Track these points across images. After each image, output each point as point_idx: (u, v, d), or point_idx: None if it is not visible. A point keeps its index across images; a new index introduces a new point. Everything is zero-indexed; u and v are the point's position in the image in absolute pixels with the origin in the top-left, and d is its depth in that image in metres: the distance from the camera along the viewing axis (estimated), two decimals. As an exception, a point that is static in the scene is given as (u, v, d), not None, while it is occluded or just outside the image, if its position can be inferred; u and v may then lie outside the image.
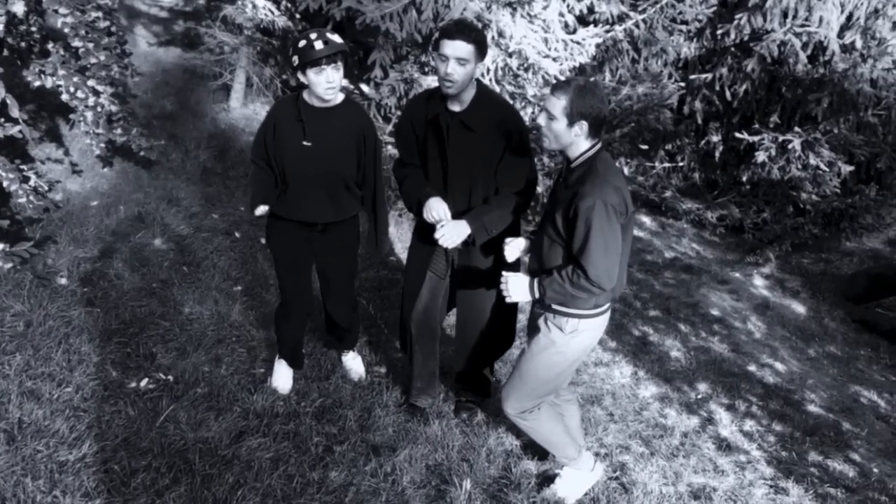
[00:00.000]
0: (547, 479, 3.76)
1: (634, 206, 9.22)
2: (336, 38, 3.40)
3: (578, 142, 3.02)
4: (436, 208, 3.50)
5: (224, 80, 8.32)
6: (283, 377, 4.13)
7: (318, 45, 3.34)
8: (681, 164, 8.70)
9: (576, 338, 3.20)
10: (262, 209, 3.50)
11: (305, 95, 3.54)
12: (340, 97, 3.59)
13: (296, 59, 3.38)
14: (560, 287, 3.06)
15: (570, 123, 2.96)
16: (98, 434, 3.52)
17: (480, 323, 3.85)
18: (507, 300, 3.23)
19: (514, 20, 6.24)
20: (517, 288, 3.19)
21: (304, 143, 3.51)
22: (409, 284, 3.90)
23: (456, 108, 3.48)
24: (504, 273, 3.23)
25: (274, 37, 8.09)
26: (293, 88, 3.59)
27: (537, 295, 3.14)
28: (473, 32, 3.27)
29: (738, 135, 7.82)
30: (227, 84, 8.33)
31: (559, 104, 2.96)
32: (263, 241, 5.77)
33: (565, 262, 3.08)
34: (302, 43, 3.36)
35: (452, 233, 3.41)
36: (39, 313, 4.28)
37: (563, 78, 6.54)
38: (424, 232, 3.76)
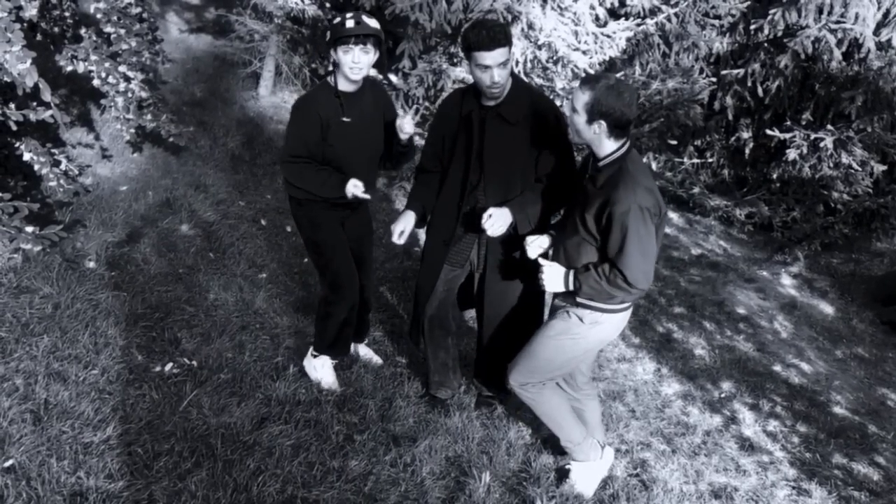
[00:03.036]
0: (564, 474, 3.75)
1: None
2: (371, 21, 3.42)
3: (601, 140, 2.99)
4: (397, 223, 3.62)
5: (253, 67, 8.36)
6: (332, 373, 4.10)
7: (350, 23, 3.37)
8: (710, 160, 8.62)
9: (593, 329, 3.18)
10: (358, 186, 3.55)
11: (337, 78, 3.55)
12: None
13: (329, 34, 3.42)
14: (597, 284, 3.05)
15: (590, 121, 2.95)
16: (122, 417, 3.56)
17: (506, 321, 3.82)
18: (543, 288, 3.22)
19: (544, 12, 6.20)
20: (553, 278, 3.18)
21: (344, 118, 3.54)
22: (423, 278, 3.88)
23: (491, 102, 3.47)
24: (542, 261, 3.23)
25: (304, 25, 8.11)
26: (321, 77, 3.59)
27: (572, 287, 3.13)
28: (503, 34, 3.25)
29: (769, 132, 7.73)
30: (257, 72, 8.37)
31: (582, 99, 2.94)
32: (290, 228, 5.79)
33: (599, 260, 3.07)
34: (337, 20, 3.41)
35: (499, 221, 3.37)
36: (67, 296, 4.33)
37: (592, 72, 6.50)
38: (437, 227, 3.76)
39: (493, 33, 3.23)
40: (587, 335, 3.20)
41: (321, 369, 4.07)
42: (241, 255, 5.29)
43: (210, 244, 5.32)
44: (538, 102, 3.47)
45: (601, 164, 3.03)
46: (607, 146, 2.99)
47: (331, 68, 3.60)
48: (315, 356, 4.08)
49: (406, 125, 3.55)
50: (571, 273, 3.13)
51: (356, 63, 3.43)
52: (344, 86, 3.54)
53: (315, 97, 3.57)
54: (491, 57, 3.24)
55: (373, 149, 3.74)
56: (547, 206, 3.53)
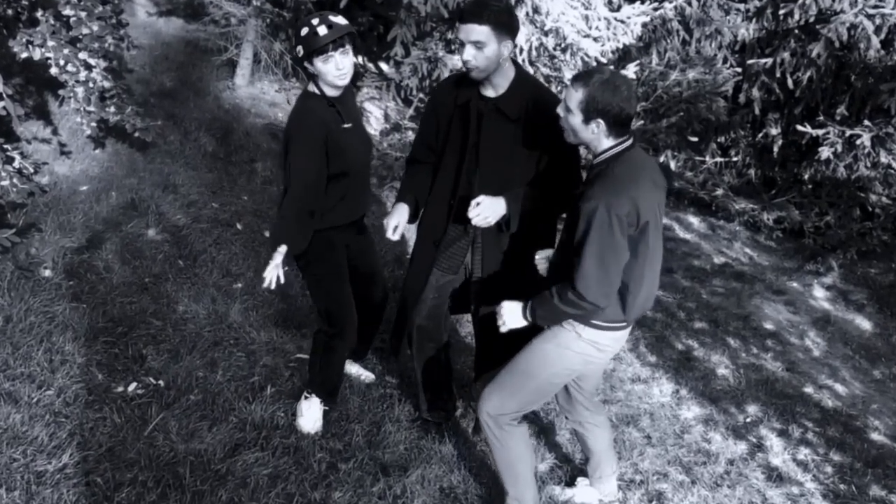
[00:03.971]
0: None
1: (682, 207, 9.21)
2: (340, 20, 3.41)
3: (600, 140, 3.00)
4: (390, 218, 3.65)
5: (229, 54, 8.36)
6: (319, 417, 4.03)
7: (322, 30, 3.35)
8: (734, 158, 8.63)
9: (580, 341, 3.17)
10: (401, 222, 3.66)
11: (321, 84, 3.54)
12: None
13: (300, 48, 3.41)
14: (548, 304, 3.07)
15: (587, 120, 2.95)
16: (80, 443, 3.55)
17: (505, 335, 3.81)
18: (501, 329, 3.24)
19: (551, -5, 6.22)
20: (510, 315, 3.22)
21: (344, 125, 3.57)
22: (410, 282, 3.87)
23: (490, 93, 3.46)
24: (503, 304, 3.24)
25: (285, 8, 8.12)
26: (299, 63, 3.59)
27: (529, 318, 3.17)
28: (487, 12, 3.23)
29: (799, 127, 7.74)
30: (233, 59, 8.37)
31: (576, 97, 2.94)
32: (268, 233, 5.79)
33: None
34: (304, 30, 3.38)
35: (488, 210, 3.36)
36: (20, 308, 4.33)
37: (604, 60, 6.52)
38: (428, 227, 3.76)
39: (473, 6, 3.26)
40: (574, 346, 3.19)
41: (308, 411, 3.99)
42: (214, 262, 5.28)
43: (179, 251, 5.32)
44: (542, 98, 3.46)
45: (594, 163, 3.06)
46: (605, 143, 3.01)
47: (311, 87, 3.59)
48: (307, 397, 4.00)
49: (392, 234, 3.68)
50: (528, 304, 3.15)
51: (340, 70, 3.44)
52: (331, 92, 3.56)
53: (313, 110, 3.54)
54: (464, 31, 3.26)
55: (368, 149, 3.84)
56: (547, 209, 3.53)
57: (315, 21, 3.37)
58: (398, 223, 3.65)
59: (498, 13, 3.26)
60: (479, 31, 3.24)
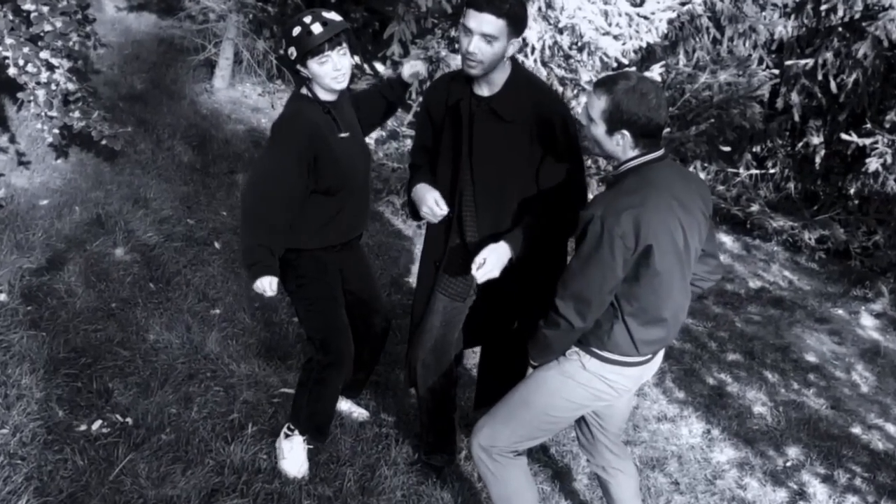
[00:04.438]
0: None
1: (713, 223, 9.18)
2: (334, 17, 3.43)
3: (625, 152, 3.01)
4: (425, 198, 3.54)
5: (207, 54, 8.40)
6: (305, 459, 3.99)
7: (317, 28, 3.36)
8: (772, 170, 8.65)
9: (584, 372, 3.17)
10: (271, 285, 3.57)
11: (315, 88, 3.55)
12: None
13: (293, 50, 3.40)
14: (537, 333, 3.15)
15: (611, 131, 2.95)
16: (38, 488, 3.55)
17: (512, 364, 3.81)
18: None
19: (566, -12, 6.26)
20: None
21: (342, 135, 3.58)
22: (416, 310, 3.89)
23: (484, 91, 3.47)
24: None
25: (270, 3, 8.17)
26: (291, 66, 3.58)
27: (532, 362, 3.27)
28: (507, 4, 3.24)
29: (844, 136, 7.75)
30: (212, 59, 8.42)
31: (599, 106, 2.94)
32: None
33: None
34: (296, 30, 3.38)
35: (493, 262, 3.33)
36: (-28, 336, 4.33)
37: (625, 61, 6.55)
38: (429, 243, 3.77)
39: None
40: (579, 377, 3.18)
41: (291, 452, 3.97)
42: (190, 285, 5.29)
43: (150, 272, 5.33)
44: (542, 100, 3.47)
45: (612, 175, 3.08)
46: (627, 155, 3.02)
47: (304, 90, 3.59)
48: (289, 435, 3.99)
49: (416, 66, 3.74)
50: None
51: (339, 70, 3.45)
52: (326, 96, 3.56)
53: (304, 113, 3.53)
54: (475, 19, 3.24)
55: (367, 160, 3.86)
56: (552, 232, 3.53)
57: (308, 19, 3.38)
58: (435, 198, 3.53)
59: (518, 7, 3.28)
60: (494, 24, 3.24)
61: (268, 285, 3.49)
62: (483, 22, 3.23)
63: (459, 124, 3.52)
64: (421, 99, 6.83)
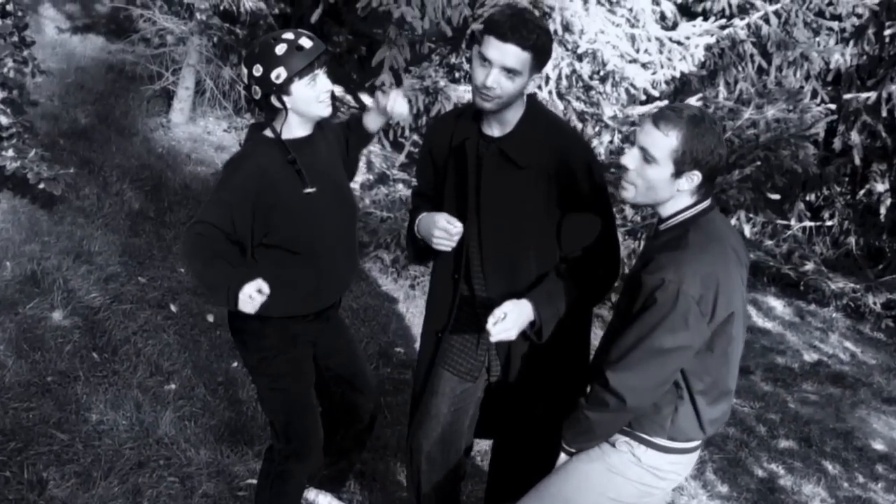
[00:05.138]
0: None
1: (760, 286, 9.18)
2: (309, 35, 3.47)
3: (679, 197, 3.00)
4: (435, 220, 3.43)
5: (164, 83, 8.46)
6: None
7: (306, 42, 3.35)
8: (829, 223, 8.69)
9: (638, 467, 3.15)
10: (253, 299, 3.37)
11: (279, 128, 3.52)
12: None
13: (281, 71, 3.35)
14: (577, 415, 3.09)
15: (678, 173, 2.93)
16: None
17: (533, 454, 3.76)
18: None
19: (585, 8, 6.34)
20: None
21: (307, 190, 3.52)
22: (416, 390, 3.85)
23: (495, 131, 3.45)
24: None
25: (238, 23, 8.25)
26: (266, 94, 3.54)
27: (565, 446, 3.21)
28: (535, 35, 3.23)
29: (914, 182, 7.81)
30: (169, 89, 8.48)
31: (666, 143, 2.92)
32: (212, 318, 5.79)
33: None
34: (282, 48, 3.35)
35: (514, 320, 3.26)
36: None
37: (655, 93, 6.61)
38: (432, 308, 3.74)
39: (520, 23, 3.23)
40: (626, 471, 3.16)
41: None
42: (140, 356, 5.27)
43: (94, 340, 5.32)
44: (561, 143, 3.45)
45: (662, 228, 3.05)
46: (682, 203, 3.01)
47: (267, 131, 3.56)
48: None
49: (397, 105, 3.61)
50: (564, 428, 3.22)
51: (327, 92, 3.45)
52: (301, 130, 3.54)
53: (258, 163, 3.49)
54: (497, 50, 3.23)
55: (349, 215, 3.77)
56: (583, 297, 3.51)
57: (290, 35, 3.37)
58: (446, 217, 3.42)
59: (544, 40, 3.26)
60: (519, 57, 3.23)
61: (254, 290, 3.28)
62: (507, 54, 3.21)
63: (465, 168, 3.49)
64: (414, 137, 6.89)
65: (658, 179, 2.95)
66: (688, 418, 3.06)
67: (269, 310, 3.50)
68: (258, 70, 3.37)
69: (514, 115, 3.42)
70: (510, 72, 3.23)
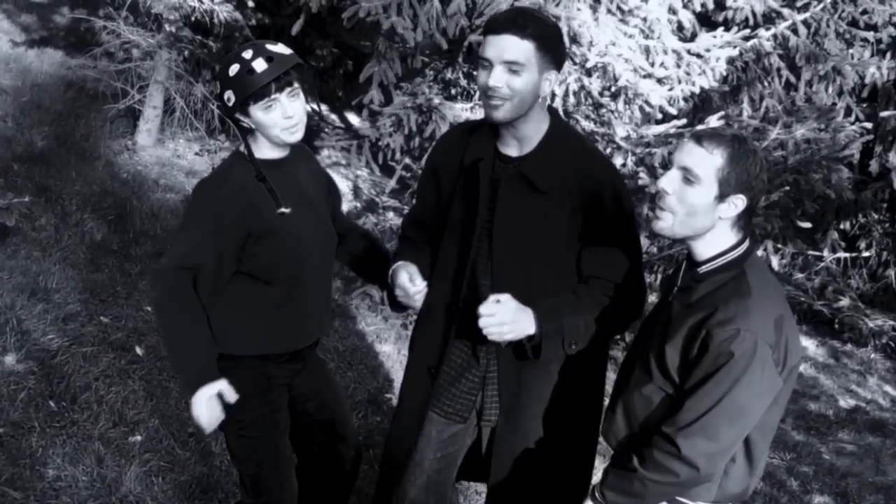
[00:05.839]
0: None
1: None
2: (283, 50, 3.40)
3: (718, 230, 2.98)
4: (397, 275, 3.47)
5: (130, 101, 8.47)
6: None
7: (259, 65, 3.33)
8: (865, 254, 8.70)
9: None
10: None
11: (258, 145, 3.54)
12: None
13: (230, 94, 3.39)
14: (628, 476, 3.02)
15: (722, 196, 2.91)
16: None
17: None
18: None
19: (595, 17, 6.36)
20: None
21: (280, 210, 3.52)
22: (398, 432, 3.80)
23: (513, 150, 3.43)
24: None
25: (212, 36, 8.27)
26: (230, 114, 3.55)
27: (599, 500, 3.12)
28: (533, 23, 3.22)
29: (959, 209, 7.83)
30: (135, 108, 8.48)
31: (711, 162, 2.88)
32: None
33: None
34: (234, 68, 3.35)
35: (507, 316, 3.21)
36: None
37: (673, 111, 6.63)
38: (421, 345, 3.72)
39: (513, 15, 3.23)
40: None
41: None
42: (102, 404, 5.26)
43: (51, 387, 5.31)
44: (587, 164, 3.42)
45: (703, 270, 3.02)
46: (722, 239, 2.99)
47: (243, 148, 3.56)
48: None
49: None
50: (596, 487, 3.13)
51: (290, 118, 3.42)
52: (273, 152, 3.55)
53: (232, 179, 3.51)
54: (494, 46, 3.22)
55: (328, 244, 3.77)
56: (599, 324, 3.48)
57: (248, 54, 3.35)
58: (409, 273, 3.46)
59: (547, 29, 3.24)
60: (519, 48, 3.20)
61: (215, 393, 3.39)
62: (504, 46, 3.20)
63: (477, 192, 3.45)
64: (406, 160, 6.90)
65: (700, 204, 2.90)
66: (738, 480, 3.05)
67: (239, 348, 3.51)
68: (217, 87, 3.41)
69: (535, 132, 3.39)
70: (512, 66, 3.20)
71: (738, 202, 2.90)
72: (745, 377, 2.81)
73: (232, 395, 3.40)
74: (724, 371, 2.82)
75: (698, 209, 2.91)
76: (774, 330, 2.84)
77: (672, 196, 2.93)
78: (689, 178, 2.90)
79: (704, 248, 3.00)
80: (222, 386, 3.41)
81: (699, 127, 6.14)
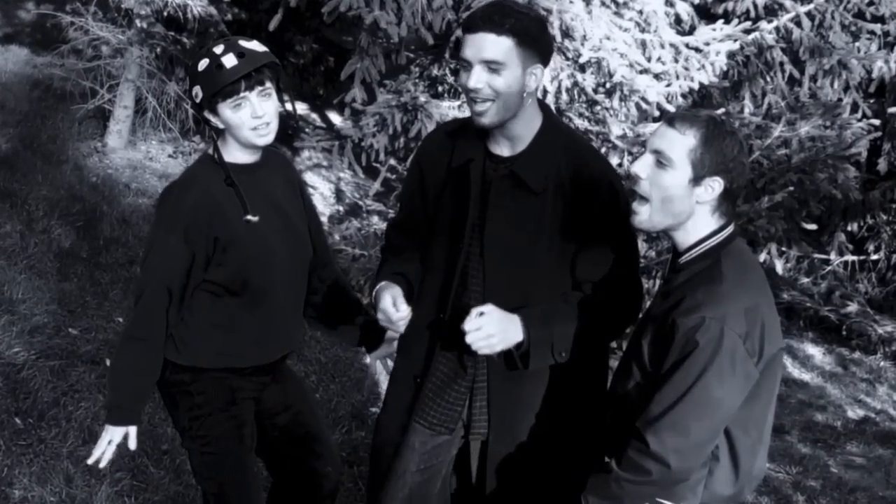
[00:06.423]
0: None
1: (795, 331, 9.15)
2: (256, 46, 3.38)
3: (699, 216, 3.00)
4: (380, 299, 3.41)
5: (99, 101, 8.46)
6: None
7: (229, 60, 3.32)
8: (874, 256, 8.71)
9: None
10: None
11: (227, 146, 3.53)
12: None
13: (198, 90, 3.38)
14: (605, 479, 3.03)
15: (697, 179, 2.91)
16: None
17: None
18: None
19: (588, 10, 6.37)
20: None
21: (248, 217, 3.49)
22: (379, 446, 3.81)
23: (504, 150, 3.41)
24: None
25: (185, 32, 8.26)
26: (200, 112, 3.54)
27: None
28: (512, 18, 3.19)
29: (972, 209, 7.85)
30: (105, 108, 8.47)
31: (683, 142, 2.90)
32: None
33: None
34: (204, 63, 3.35)
35: (494, 327, 3.20)
36: None
37: (671, 108, 6.63)
38: (407, 355, 3.71)
39: (490, 11, 3.18)
40: None
41: None
42: (71, 420, 5.25)
43: (17, 403, 5.29)
44: (582, 162, 3.42)
45: (683, 260, 3.03)
46: (703, 227, 3.00)
47: (211, 151, 3.56)
48: None
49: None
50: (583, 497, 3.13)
51: (259, 118, 3.40)
52: (243, 156, 3.54)
53: (199, 183, 3.51)
54: (472, 45, 3.20)
55: (300, 251, 3.75)
56: (593, 330, 3.49)
57: (219, 49, 3.35)
58: (393, 297, 3.40)
59: (526, 22, 3.20)
60: (497, 45, 3.18)
61: (119, 438, 3.47)
62: (482, 45, 3.19)
63: (467, 194, 3.44)
64: (391, 161, 6.89)
65: (674, 186, 2.90)
66: (724, 481, 3.04)
67: (201, 360, 3.50)
68: (187, 83, 3.40)
69: (526, 130, 3.38)
70: (492, 65, 3.19)
71: (715, 185, 2.89)
72: (712, 367, 2.81)
73: (133, 444, 3.48)
74: (690, 361, 2.83)
75: (673, 193, 2.93)
76: (746, 318, 2.84)
77: (646, 181, 2.95)
78: (661, 161, 2.91)
79: (685, 237, 3.01)
80: (134, 430, 3.49)
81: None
